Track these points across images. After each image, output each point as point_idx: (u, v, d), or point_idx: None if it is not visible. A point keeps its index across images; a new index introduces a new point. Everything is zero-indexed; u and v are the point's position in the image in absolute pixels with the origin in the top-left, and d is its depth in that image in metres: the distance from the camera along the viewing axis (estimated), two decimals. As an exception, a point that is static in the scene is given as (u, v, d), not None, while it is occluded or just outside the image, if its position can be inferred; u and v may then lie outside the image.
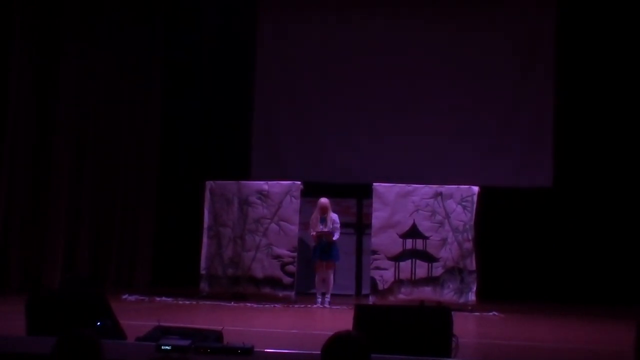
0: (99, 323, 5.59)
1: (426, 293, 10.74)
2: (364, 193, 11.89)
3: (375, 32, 13.07)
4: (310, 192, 11.41)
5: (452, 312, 5.70)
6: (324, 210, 11.19)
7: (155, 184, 13.22)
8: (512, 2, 12.98)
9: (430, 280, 10.78)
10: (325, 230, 11.12)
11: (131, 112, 12.94)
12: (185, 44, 13.69)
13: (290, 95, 13.32)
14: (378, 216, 11.04)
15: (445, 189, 10.95)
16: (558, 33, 12.57)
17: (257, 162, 13.27)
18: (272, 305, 10.69)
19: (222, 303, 10.70)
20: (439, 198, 10.89)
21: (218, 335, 5.50)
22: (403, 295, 10.80)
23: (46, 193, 11.56)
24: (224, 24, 13.66)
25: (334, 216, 11.28)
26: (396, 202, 10.99)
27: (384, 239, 10.94)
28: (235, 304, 10.67)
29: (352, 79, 13.11)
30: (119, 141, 12.75)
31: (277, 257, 11.15)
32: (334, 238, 11.15)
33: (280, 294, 11.07)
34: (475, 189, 10.87)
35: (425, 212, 10.88)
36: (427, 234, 10.85)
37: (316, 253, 11.27)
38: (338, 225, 11.25)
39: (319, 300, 11.06)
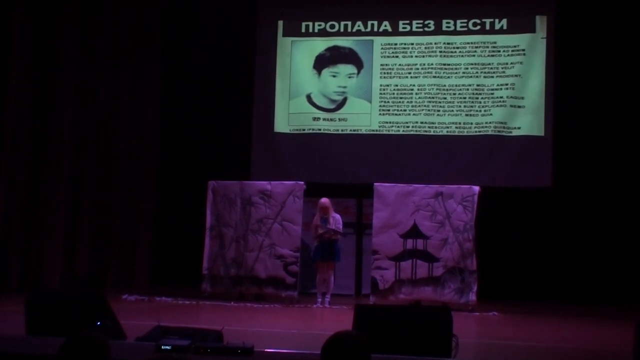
0: (99, 323, 5.59)
1: (427, 293, 10.74)
2: (364, 193, 11.87)
3: (374, 31, 13.06)
4: (309, 192, 11.39)
5: (452, 312, 5.70)
6: (325, 211, 11.17)
7: (155, 183, 13.19)
8: (512, 4, 12.96)
9: (430, 280, 10.79)
10: (331, 227, 11.09)
11: (130, 111, 12.92)
12: (185, 43, 13.69)
13: (289, 93, 13.29)
14: (379, 216, 11.04)
15: (446, 188, 10.95)
16: (557, 32, 12.55)
17: (257, 162, 13.23)
18: (272, 305, 10.69)
19: (222, 303, 10.70)
20: (440, 198, 10.89)
21: (218, 335, 5.50)
22: (403, 295, 10.80)
23: (46, 193, 11.56)
24: (224, 23, 13.64)
25: (337, 217, 11.28)
26: (397, 202, 10.99)
27: (385, 239, 10.94)
28: (235, 304, 10.67)
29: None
30: (119, 140, 12.74)
31: (280, 257, 11.15)
32: (335, 237, 11.14)
33: (283, 294, 11.07)
34: (476, 188, 10.87)
35: (426, 212, 10.88)
36: (427, 234, 10.85)
37: (317, 253, 11.26)
38: (340, 226, 11.24)
39: (319, 300, 11.05)
